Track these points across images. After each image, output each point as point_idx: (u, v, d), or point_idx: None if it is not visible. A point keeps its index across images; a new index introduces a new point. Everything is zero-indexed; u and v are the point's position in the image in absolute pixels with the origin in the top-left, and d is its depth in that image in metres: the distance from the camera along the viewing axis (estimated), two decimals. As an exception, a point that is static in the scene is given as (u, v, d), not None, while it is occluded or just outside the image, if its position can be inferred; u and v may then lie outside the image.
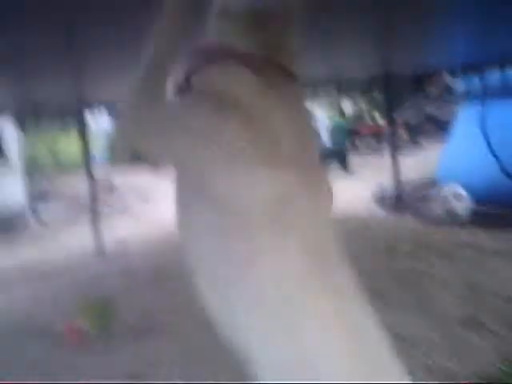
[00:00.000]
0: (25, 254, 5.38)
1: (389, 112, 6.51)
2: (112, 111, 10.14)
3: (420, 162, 8.86)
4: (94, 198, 5.44)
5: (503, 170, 4.60)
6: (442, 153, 6.37)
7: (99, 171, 11.47)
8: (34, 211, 7.35)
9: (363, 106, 16.28)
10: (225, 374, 2.32)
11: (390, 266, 3.77)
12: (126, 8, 1.57)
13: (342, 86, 5.94)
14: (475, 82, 4.63)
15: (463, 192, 4.81)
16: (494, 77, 4.44)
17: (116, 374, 2.52)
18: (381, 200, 6.30)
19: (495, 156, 4.64)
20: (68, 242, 5.85)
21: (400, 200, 5.63)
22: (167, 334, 3.02)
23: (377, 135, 12.10)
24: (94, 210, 5.40)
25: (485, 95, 4.56)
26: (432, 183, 6.25)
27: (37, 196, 8.26)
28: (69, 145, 14.10)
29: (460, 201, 4.80)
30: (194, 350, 2.71)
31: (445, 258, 3.83)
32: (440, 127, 12.16)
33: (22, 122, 4.67)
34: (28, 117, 4.74)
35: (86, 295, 3.63)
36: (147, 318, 3.27)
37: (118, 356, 2.77)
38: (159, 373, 2.49)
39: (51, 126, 12.34)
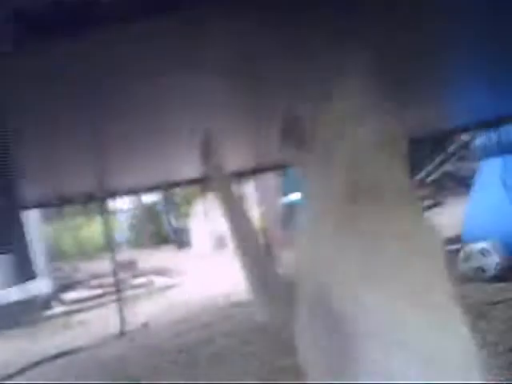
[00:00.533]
0: (50, 342, 5.33)
1: (410, 171, 6.50)
2: (133, 196, 10.32)
3: (444, 220, 8.77)
4: (117, 281, 5.45)
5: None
6: (466, 209, 6.32)
7: (122, 254, 11.60)
8: (59, 300, 7.34)
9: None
10: None
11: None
12: (147, 101, 1.61)
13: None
14: (493, 137, 4.64)
15: (490, 247, 4.73)
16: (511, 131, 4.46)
17: None
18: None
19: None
20: (93, 326, 5.81)
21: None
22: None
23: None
24: (118, 293, 5.39)
25: (504, 149, 4.56)
26: (457, 241, 6.17)
27: (62, 284, 8.30)
28: (92, 230, 14.25)
29: (487, 257, 4.71)
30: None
31: (480, 317, 3.72)
32: (461, 184, 12.13)
33: (47, 213, 4.72)
34: (53, 207, 4.81)
35: (111, 377, 3.60)
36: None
37: None
38: None
39: (75, 213, 12.57)
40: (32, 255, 6.08)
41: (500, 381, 2.70)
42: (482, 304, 3.98)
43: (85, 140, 2.28)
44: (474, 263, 4.74)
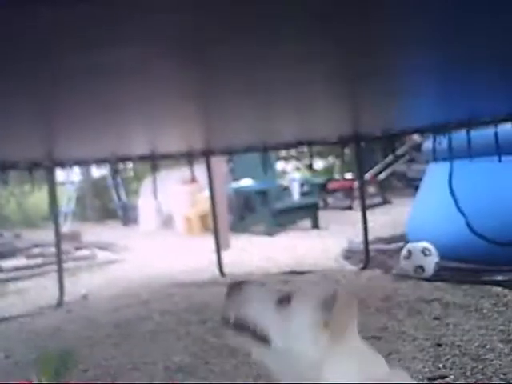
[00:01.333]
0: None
1: (359, 169, 6.63)
2: (82, 167, 10.16)
3: (390, 218, 8.97)
4: (59, 252, 5.39)
5: (469, 226, 4.70)
6: (410, 209, 6.49)
7: (67, 225, 11.44)
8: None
9: (334, 162, 16.56)
10: None
11: (359, 322, 3.75)
12: (98, 72, 1.60)
13: (314, 147, 6.06)
14: (443, 141, 4.76)
15: (431, 247, 4.87)
16: (461, 136, 4.57)
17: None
18: (350, 255, 6.34)
19: (462, 213, 4.73)
20: (30, 295, 5.73)
21: (369, 255, 5.66)
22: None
23: (347, 191, 12.25)
24: (59, 263, 5.33)
25: (452, 154, 4.68)
26: (401, 239, 6.34)
27: (1, 250, 8.15)
28: (38, 199, 13.98)
29: (428, 256, 4.85)
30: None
31: (413, 313, 3.84)
32: (408, 184, 12.40)
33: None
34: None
35: (45, 347, 3.56)
36: (106, 372, 3.21)
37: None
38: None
39: (21, 181, 12.29)
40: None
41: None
42: (418, 301, 4.11)
43: (34, 107, 2.25)
44: (415, 261, 4.88)
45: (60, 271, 5.30)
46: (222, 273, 5.85)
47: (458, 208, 4.71)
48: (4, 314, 4.81)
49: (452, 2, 1.25)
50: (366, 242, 5.72)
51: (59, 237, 5.48)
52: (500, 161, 4.51)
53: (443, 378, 2.76)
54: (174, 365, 3.21)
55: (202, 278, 5.66)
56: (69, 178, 12.82)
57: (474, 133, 4.59)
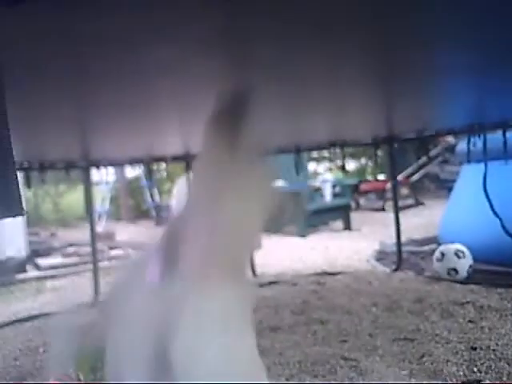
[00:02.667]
0: (22, 305, 5.36)
1: (392, 170, 6.58)
2: (116, 167, 10.30)
3: (422, 220, 8.89)
4: (94, 251, 5.48)
5: (504, 229, 4.63)
6: (444, 211, 6.42)
7: (101, 225, 11.60)
8: (34, 264, 7.34)
9: (366, 164, 16.46)
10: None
11: (391, 323, 3.75)
12: (131, 72, 1.62)
13: (346, 148, 6.05)
14: (477, 142, 4.69)
15: (464, 250, 4.82)
16: (496, 138, 4.51)
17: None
18: (382, 257, 6.30)
19: (496, 215, 4.67)
20: (66, 293, 5.84)
21: (401, 257, 5.62)
22: None
23: (379, 192, 12.17)
24: (94, 262, 5.43)
25: (487, 156, 4.62)
26: (434, 241, 6.28)
27: (38, 249, 8.30)
28: (73, 199, 14.21)
29: (461, 258, 4.79)
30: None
31: (446, 316, 3.80)
32: (441, 186, 12.27)
33: (28, 177, 4.73)
34: (34, 172, 4.82)
35: (80, 345, 3.63)
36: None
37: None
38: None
39: (56, 181, 12.51)
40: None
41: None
42: (451, 303, 4.07)
43: (71, 107, 2.30)
44: (448, 264, 4.83)
45: (95, 270, 5.39)
46: (254, 273, 5.87)
47: (493, 210, 4.64)
48: (42, 311, 4.92)
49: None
50: (399, 243, 5.68)
51: (94, 236, 5.57)
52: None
53: (478, 382, 2.73)
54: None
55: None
56: (103, 178, 13.01)
57: (509, 134, 4.53)
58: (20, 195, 0.87)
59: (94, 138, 3.73)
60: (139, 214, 14.39)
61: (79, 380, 3.02)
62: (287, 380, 2.88)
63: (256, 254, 6.20)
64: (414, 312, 3.95)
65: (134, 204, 14.90)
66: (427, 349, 3.20)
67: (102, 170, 5.56)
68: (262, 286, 5.24)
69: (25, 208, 0.87)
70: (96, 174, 11.93)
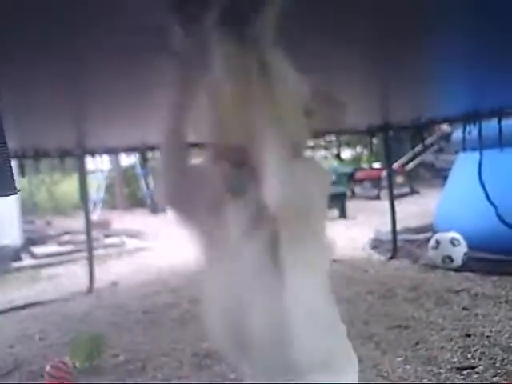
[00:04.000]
0: (17, 293, 5.36)
1: (387, 158, 6.58)
2: (111, 155, 10.27)
3: (417, 209, 8.91)
4: (89, 239, 5.48)
5: (499, 216, 4.64)
6: (439, 199, 6.44)
7: (97, 213, 11.58)
8: (30, 252, 7.34)
9: (362, 152, 16.46)
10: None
11: (386, 311, 3.77)
12: (126, 57, 1.62)
13: (342, 136, 6.04)
14: (473, 130, 4.69)
15: (459, 238, 4.83)
16: (491, 126, 4.51)
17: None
18: (378, 245, 6.32)
19: (491, 203, 4.68)
20: (62, 281, 5.85)
21: (396, 245, 5.64)
22: (157, 374, 3.02)
23: (374, 181, 12.18)
24: (89, 250, 5.42)
25: (482, 144, 4.62)
26: (429, 229, 6.30)
27: (33, 237, 8.29)
28: (68, 187, 14.18)
29: (456, 246, 4.81)
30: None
31: (441, 303, 3.83)
32: (437, 174, 12.28)
33: (22, 165, 4.71)
34: (28, 160, 4.80)
35: (76, 331, 3.66)
36: (137, 357, 3.26)
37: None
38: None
39: (51, 169, 12.47)
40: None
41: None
42: (446, 291, 4.09)
43: (65, 94, 2.29)
44: (443, 251, 4.84)
45: (90, 258, 5.39)
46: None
47: (488, 198, 4.65)
48: (37, 299, 4.93)
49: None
50: (394, 231, 5.69)
51: (89, 224, 5.57)
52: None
53: (472, 368, 2.75)
54: (202, 351, 3.24)
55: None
56: (98, 166, 12.96)
57: (504, 122, 4.52)
58: (12, 175, 0.87)
59: (89, 126, 3.72)
60: (134, 202, 14.38)
61: (75, 367, 3.04)
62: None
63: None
64: (409, 300, 3.97)
65: (129, 192, 14.87)
66: (422, 336, 3.22)
67: (97, 158, 5.53)
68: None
69: (17, 188, 0.87)
70: (91, 163, 11.89)
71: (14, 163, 7.37)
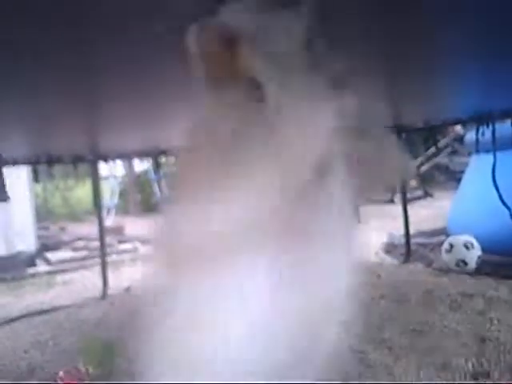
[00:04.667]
0: (32, 299, 5.39)
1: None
2: (124, 160, 10.31)
3: (431, 212, 8.85)
4: (103, 245, 5.50)
5: (513, 219, 4.60)
6: (452, 202, 6.39)
7: (110, 219, 11.62)
8: (44, 258, 7.39)
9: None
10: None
11: (400, 315, 3.74)
12: (140, 63, 1.62)
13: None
14: (486, 132, 4.65)
15: (474, 241, 4.79)
16: (504, 127, 4.47)
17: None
18: (391, 249, 6.28)
19: (506, 206, 4.63)
20: (76, 287, 5.87)
21: (410, 249, 5.61)
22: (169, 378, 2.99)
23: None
24: (103, 256, 5.44)
25: (496, 146, 4.58)
26: (442, 232, 6.25)
27: (47, 243, 8.34)
28: (82, 193, 14.26)
29: (470, 250, 4.77)
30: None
31: (455, 308, 3.79)
32: (450, 177, 12.20)
33: (36, 171, 4.74)
34: (42, 166, 4.83)
35: (89, 336, 3.66)
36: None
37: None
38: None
39: (65, 175, 12.55)
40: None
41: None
42: (460, 295, 4.05)
43: (79, 100, 2.30)
44: (457, 255, 4.80)
45: (103, 264, 5.40)
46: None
47: (502, 201, 4.61)
48: (52, 305, 4.96)
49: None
50: (408, 235, 5.66)
51: (103, 230, 5.59)
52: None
53: (488, 374, 2.71)
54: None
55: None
56: (112, 172, 13.01)
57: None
58: (3, 182, 0.87)
59: (102, 131, 3.74)
60: (148, 207, 14.41)
61: (88, 373, 3.04)
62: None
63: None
64: (423, 304, 3.94)
65: (143, 198, 14.91)
66: (436, 341, 3.19)
67: (110, 163, 5.56)
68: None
69: (9, 195, 0.87)
70: (104, 168, 11.96)
71: (27, 169, 7.44)
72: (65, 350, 3.69)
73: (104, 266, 5.38)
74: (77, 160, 5.02)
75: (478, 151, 5.44)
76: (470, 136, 6.01)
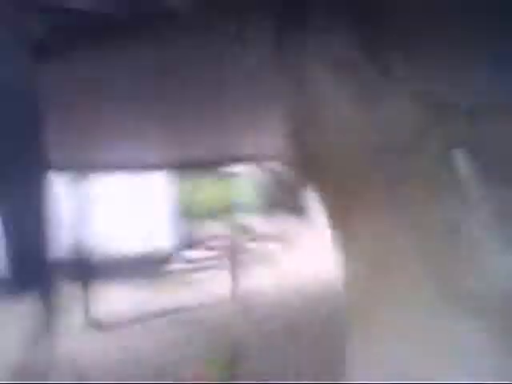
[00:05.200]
0: (166, 298, 5.55)
1: None
2: (258, 162, 10.35)
3: None
4: (235, 246, 5.53)
5: None
6: None
7: (244, 219, 11.75)
8: (181, 256, 7.61)
9: None
10: None
11: None
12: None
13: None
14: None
15: None
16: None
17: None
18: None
19: None
20: (208, 288, 5.96)
21: None
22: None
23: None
24: (233, 257, 5.47)
25: None
26: None
27: (185, 243, 8.56)
28: (217, 193, 14.58)
29: None
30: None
31: None
32: None
33: (178, 175, 4.93)
34: (183, 168, 5.00)
35: (216, 342, 3.67)
36: (273, 370, 3.21)
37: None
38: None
39: (203, 176, 12.89)
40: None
41: None
42: None
43: (206, 109, 2.32)
44: None
45: (233, 264, 5.43)
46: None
47: None
48: (185, 304, 5.12)
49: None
50: None
51: (236, 230, 5.62)
52: None
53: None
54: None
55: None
56: (246, 172, 13.14)
57: None
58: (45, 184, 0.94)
59: (236, 132, 3.73)
60: (283, 207, 14.39)
61: (214, 378, 3.07)
62: None
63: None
64: None
65: (280, 197, 14.91)
66: None
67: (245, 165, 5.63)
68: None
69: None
70: (239, 169, 12.11)
71: (164, 173, 7.69)
72: (196, 350, 3.72)
73: (234, 266, 5.40)
74: (210, 165, 5.12)
75: None
76: None
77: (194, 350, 3.80)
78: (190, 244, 8.63)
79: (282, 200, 14.55)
